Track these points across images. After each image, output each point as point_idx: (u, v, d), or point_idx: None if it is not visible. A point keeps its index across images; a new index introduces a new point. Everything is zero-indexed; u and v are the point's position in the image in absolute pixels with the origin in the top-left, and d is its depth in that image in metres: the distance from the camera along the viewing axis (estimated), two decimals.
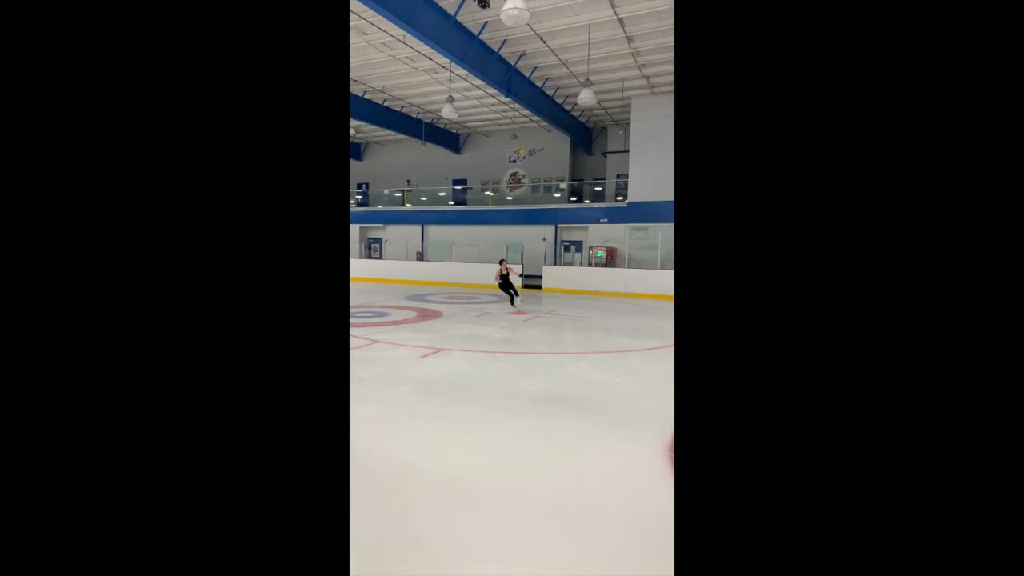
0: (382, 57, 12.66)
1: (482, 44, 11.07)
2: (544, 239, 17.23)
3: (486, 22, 10.44)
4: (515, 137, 17.89)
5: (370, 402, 4.00)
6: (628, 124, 16.31)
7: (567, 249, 17.37)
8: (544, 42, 11.39)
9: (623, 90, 14.62)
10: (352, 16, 10.21)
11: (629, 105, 15.57)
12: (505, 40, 11.34)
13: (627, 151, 16.22)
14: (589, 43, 11.23)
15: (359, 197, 22.26)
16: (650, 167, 15.00)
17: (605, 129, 18.83)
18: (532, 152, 19.43)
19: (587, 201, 17.62)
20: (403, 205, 20.63)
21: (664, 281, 13.65)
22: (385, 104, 16.47)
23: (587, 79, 11.90)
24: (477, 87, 14.39)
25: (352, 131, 19.74)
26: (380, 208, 20.85)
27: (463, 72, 12.66)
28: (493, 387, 4.62)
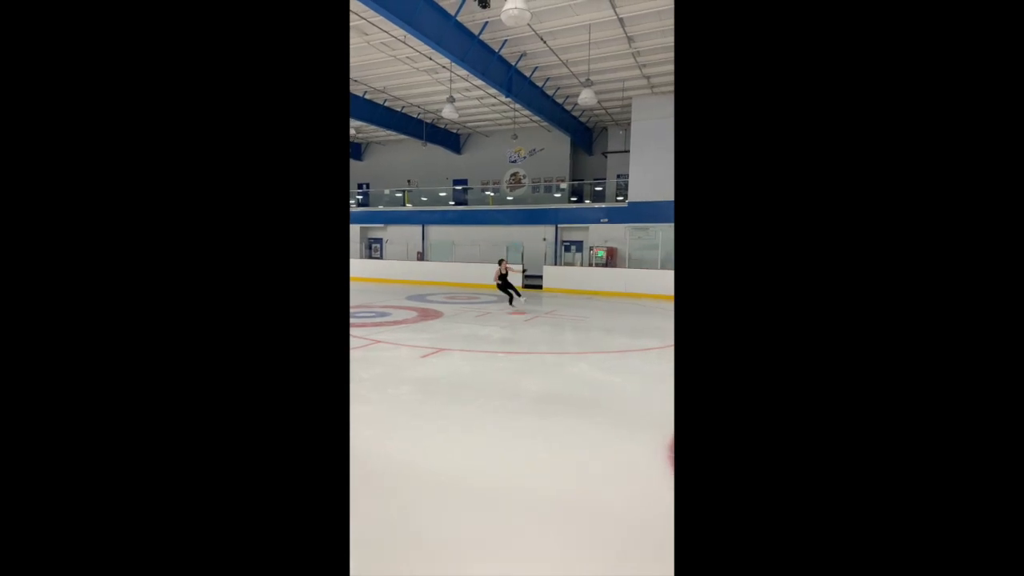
0: (383, 57, 12.66)
1: (482, 44, 11.07)
2: (544, 239, 17.23)
3: (486, 22, 10.44)
4: (515, 137, 17.89)
5: (371, 402, 4.00)
6: (628, 124, 16.31)
7: (567, 249, 17.37)
8: (544, 42, 11.39)
9: (623, 90, 14.62)
10: (352, 16, 10.22)
11: (629, 105, 15.57)
12: (505, 40, 11.34)
13: (627, 151, 16.22)
14: (590, 43, 11.23)
15: (360, 197, 22.27)
16: (650, 167, 15.00)
17: (605, 129, 18.83)
18: (532, 152, 19.43)
19: (587, 201, 17.62)
20: (404, 205, 20.63)
21: (664, 281, 13.64)
22: (386, 104, 16.47)
23: (587, 79, 11.90)
24: (478, 87, 14.40)
25: (353, 131, 19.75)
26: (381, 208, 20.86)
27: (464, 72, 12.67)
28: (493, 387, 4.62)
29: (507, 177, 19.99)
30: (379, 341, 6.59)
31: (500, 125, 18.83)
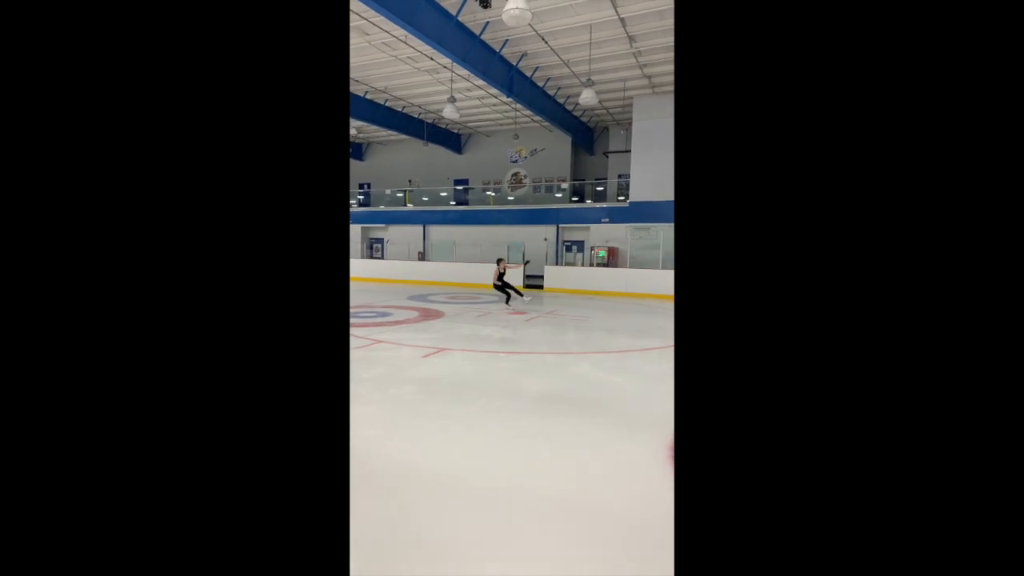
0: (383, 57, 12.67)
1: (483, 44, 11.07)
2: (546, 239, 17.23)
3: (487, 22, 10.44)
4: (517, 137, 17.89)
5: (372, 402, 4.00)
6: (630, 124, 16.30)
7: (569, 249, 17.37)
8: (545, 42, 11.39)
9: (625, 90, 14.62)
10: (353, 16, 10.23)
11: (631, 105, 15.56)
12: (507, 40, 11.34)
13: (629, 151, 16.21)
14: (591, 43, 11.23)
15: (361, 197, 22.29)
16: (652, 167, 14.99)
17: (607, 129, 18.83)
18: (534, 152, 19.43)
19: (589, 201, 17.62)
20: (405, 205, 20.64)
21: (666, 281, 13.63)
22: (387, 104, 16.49)
23: (589, 79, 11.89)
24: (479, 87, 14.40)
25: (354, 131, 19.77)
26: (382, 208, 20.88)
27: (465, 72, 12.68)
28: (495, 387, 4.63)
29: (508, 177, 20.00)
30: (381, 341, 6.59)
31: (501, 125, 18.84)
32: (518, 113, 16.46)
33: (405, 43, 11.56)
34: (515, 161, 19.86)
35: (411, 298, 12.31)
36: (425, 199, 20.68)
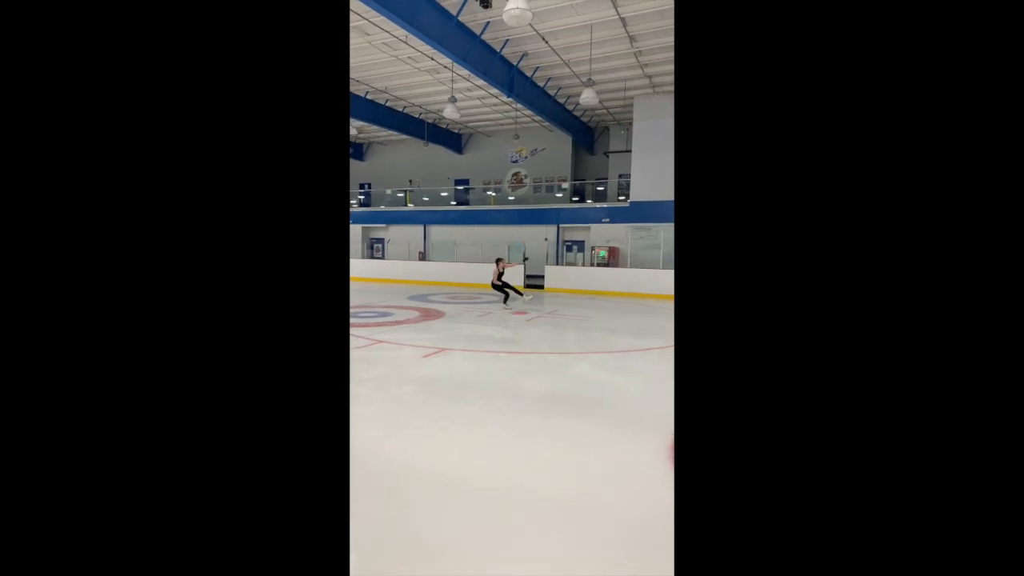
0: (384, 57, 12.67)
1: (484, 44, 11.07)
2: (546, 239, 17.23)
3: (488, 22, 10.44)
4: (517, 137, 17.89)
5: (373, 402, 4.00)
6: (630, 124, 16.29)
7: (569, 249, 17.36)
8: (546, 42, 11.39)
9: (625, 90, 14.61)
10: (354, 16, 10.23)
11: (631, 105, 15.56)
12: (507, 40, 11.34)
13: (629, 151, 16.20)
14: (591, 43, 11.22)
15: (361, 197, 22.30)
16: (652, 167, 14.98)
17: (607, 129, 18.82)
18: (534, 152, 19.43)
19: (589, 201, 17.62)
20: (405, 205, 20.65)
21: (667, 281, 13.62)
22: (387, 104, 16.49)
23: (589, 79, 11.89)
24: (479, 87, 14.40)
25: (354, 131, 19.77)
26: (382, 208, 20.88)
27: (465, 72, 12.68)
28: (496, 387, 4.62)
29: (509, 177, 20.00)
30: (381, 341, 6.59)
31: (502, 125, 18.84)
32: (518, 113, 16.46)
33: (406, 43, 11.57)
34: (516, 161, 19.86)
35: (412, 298, 12.31)
36: (426, 199, 20.68)
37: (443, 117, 16.57)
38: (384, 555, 1.99)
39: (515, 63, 12.33)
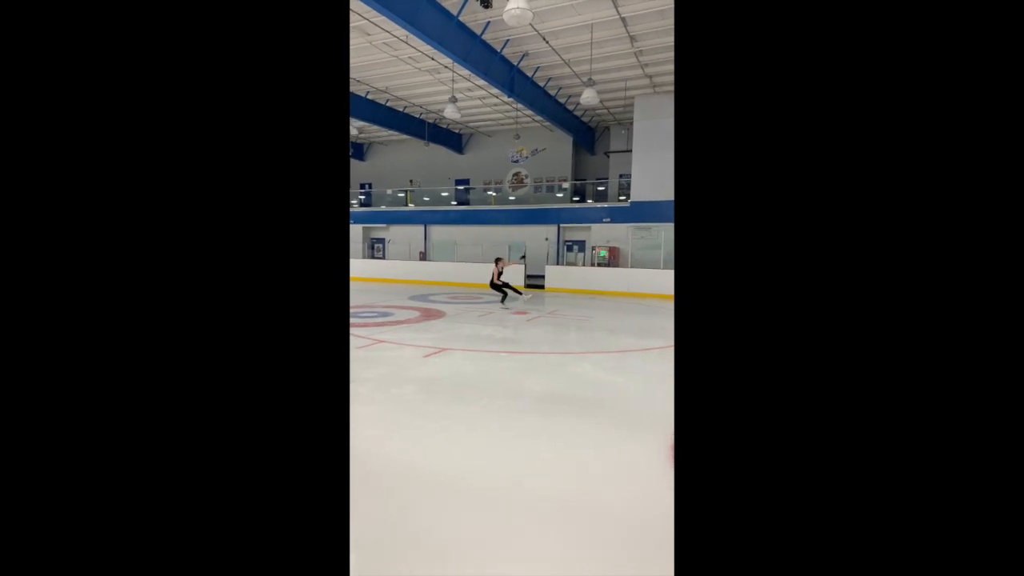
0: (385, 57, 12.68)
1: (484, 44, 11.07)
2: (547, 239, 17.23)
3: (488, 22, 10.44)
4: (518, 137, 17.90)
5: (374, 402, 4.00)
6: (631, 123, 16.29)
7: (570, 249, 17.36)
8: (547, 42, 11.39)
9: (626, 89, 14.61)
10: (355, 17, 10.23)
11: (632, 104, 15.55)
12: (508, 40, 11.34)
13: (630, 151, 16.20)
14: (592, 43, 11.22)
15: (362, 197, 22.31)
16: (653, 166, 14.98)
17: (608, 129, 18.82)
18: (535, 152, 19.43)
19: (590, 201, 17.62)
20: (406, 205, 20.66)
21: (668, 281, 13.61)
22: (388, 104, 16.49)
23: (590, 79, 11.89)
24: (480, 87, 14.40)
25: (355, 131, 19.78)
26: (383, 208, 20.90)
27: (466, 72, 12.68)
28: (497, 387, 4.62)
29: (509, 177, 20.00)
30: (382, 341, 6.59)
31: (502, 125, 18.84)
32: (519, 113, 16.46)
33: (406, 43, 11.57)
34: (516, 161, 19.86)
35: (412, 298, 12.32)
36: (426, 199, 20.69)
37: (444, 117, 16.58)
38: (384, 555, 1.99)
39: (516, 63, 12.33)
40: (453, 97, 13.64)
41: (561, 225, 17.18)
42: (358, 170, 22.93)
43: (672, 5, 9.56)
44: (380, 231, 20.69)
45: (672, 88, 14.19)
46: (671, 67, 12.69)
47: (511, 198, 19.52)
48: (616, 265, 15.80)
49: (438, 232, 19.28)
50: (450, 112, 13.60)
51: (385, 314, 9.33)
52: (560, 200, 18.24)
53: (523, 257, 14.61)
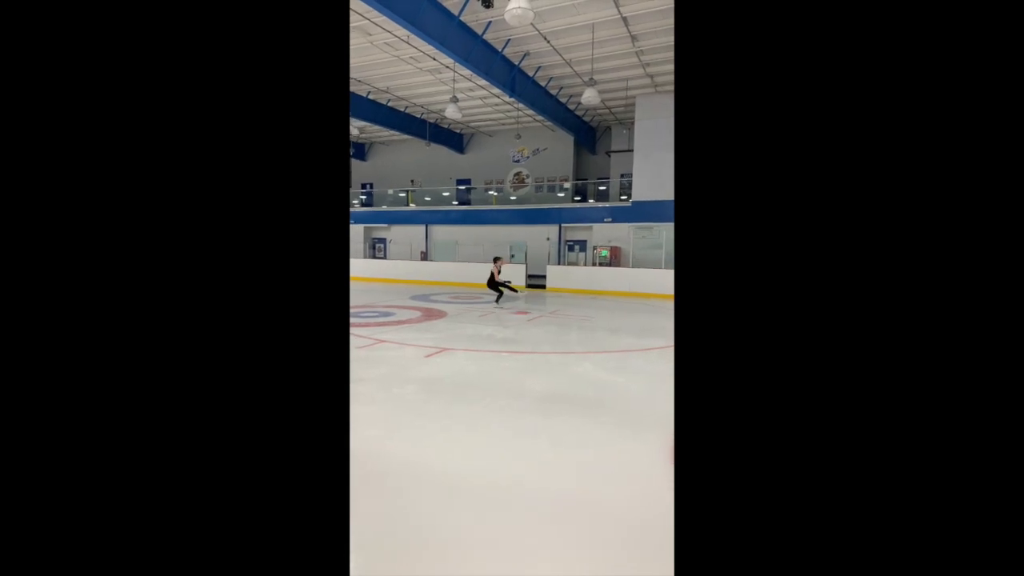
0: (386, 57, 12.68)
1: (486, 44, 11.07)
2: (548, 239, 17.23)
3: (490, 22, 10.44)
4: (519, 137, 17.89)
5: (375, 402, 4.01)
6: (632, 123, 16.27)
7: (571, 249, 17.35)
8: (548, 42, 11.38)
9: (627, 89, 14.60)
10: (356, 16, 10.24)
11: (633, 104, 15.54)
12: (509, 40, 11.33)
13: (631, 150, 16.19)
14: (593, 42, 11.22)
15: (363, 197, 22.32)
16: (654, 166, 14.96)
17: (609, 128, 18.80)
18: (536, 152, 19.43)
19: (591, 200, 17.61)
20: (407, 205, 20.66)
21: (669, 280, 13.58)
22: (389, 104, 16.50)
23: (591, 78, 11.89)
24: (481, 87, 14.40)
25: (356, 131, 19.79)
26: (384, 208, 20.90)
27: (467, 72, 12.68)
28: (498, 387, 4.63)
29: (510, 177, 20.00)
30: (384, 341, 6.60)
31: (503, 125, 18.83)
32: (520, 113, 16.45)
33: (407, 43, 11.57)
34: (517, 161, 19.86)
35: (414, 298, 12.32)
36: (427, 199, 20.69)
37: (445, 117, 16.58)
38: (384, 555, 1.99)
39: (517, 63, 12.33)
40: (454, 97, 13.64)
41: (562, 225, 17.17)
42: (359, 170, 22.94)
43: (673, 4, 9.55)
44: (381, 231, 20.70)
45: (673, 87, 14.19)
46: (672, 66, 12.66)
47: (512, 198, 19.51)
48: (618, 265, 15.79)
49: (439, 232, 19.28)
50: (451, 112, 13.60)
51: (386, 314, 9.33)
52: (561, 200, 18.22)
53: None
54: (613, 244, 16.13)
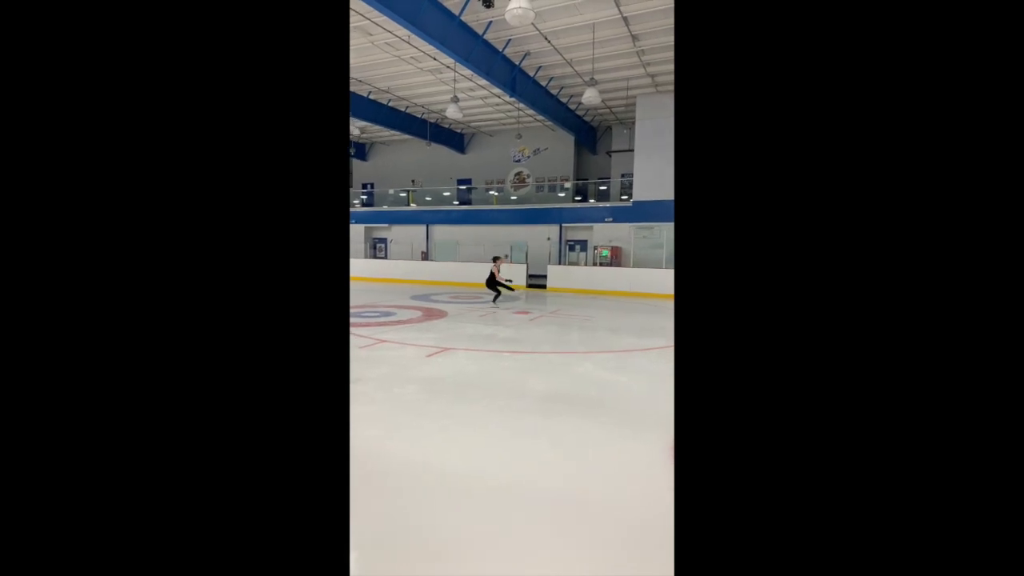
0: (387, 57, 12.68)
1: (486, 44, 11.07)
2: (549, 239, 17.22)
3: (490, 22, 10.44)
4: (519, 137, 17.88)
5: (375, 401, 4.01)
6: (633, 123, 16.26)
7: (572, 249, 17.35)
8: (548, 41, 11.38)
9: (628, 89, 14.59)
10: (357, 17, 10.24)
11: (634, 104, 15.53)
12: (509, 40, 11.33)
13: (632, 150, 16.18)
14: (593, 42, 11.21)
15: (364, 197, 22.32)
16: (655, 166, 14.95)
17: (610, 128, 18.80)
18: (536, 152, 19.42)
19: (592, 200, 17.60)
20: (408, 205, 20.67)
21: (670, 280, 13.58)
22: (390, 104, 16.50)
23: (592, 78, 11.88)
24: (482, 87, 14.40)
25: (357, 131, 19.79)
26: (385, 208, 20.90)
27: (468, 72, 12.68)
28: (500, 387, 4.63)
29: (511, 176, 19.99)
30: (384, 340, 6.60)
31: (504, 125, 18.83)
32: (521, 113, 16.45)
33: (408, 43, 11.57)
34: (518, 160, 19.86)
35: (414, 298, 12.32)
36: (428, 199, 20.69)
37: (445, 117, 16.58)
38: (384, 555, 1.99)
39: (517, 63, 12.33)
40: (455, 97, 13.64)
41: (563, 225, 17.17)
42: (360, 170, 22.95)
43: (673, 4, 9.55)
44: (382, 231, 20.70)
45: (673, 87, 14.16)
46: (672, 66, 12.65)
47: (513, 198, 19.51)
48: (618, 265, 15.79)
49: (440, 232, 19.28)
50: (452, 112, 13.59)
51: (387, 314, 9.34)
52: (562, 200, 18.22)
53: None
54: (614, 244, 16.13)
